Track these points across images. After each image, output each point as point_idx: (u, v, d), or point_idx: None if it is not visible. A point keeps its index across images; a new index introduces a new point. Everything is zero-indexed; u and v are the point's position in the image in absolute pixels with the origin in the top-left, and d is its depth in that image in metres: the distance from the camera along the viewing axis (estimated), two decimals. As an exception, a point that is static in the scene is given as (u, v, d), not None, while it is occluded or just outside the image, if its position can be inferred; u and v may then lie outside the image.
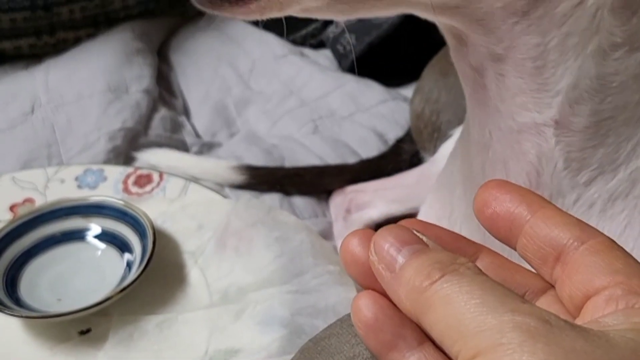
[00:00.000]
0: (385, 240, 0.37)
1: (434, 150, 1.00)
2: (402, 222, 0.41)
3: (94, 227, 0.96)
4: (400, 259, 0.37)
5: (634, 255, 0.59)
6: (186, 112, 1.30)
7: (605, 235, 0.38)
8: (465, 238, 0.42)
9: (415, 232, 0.38)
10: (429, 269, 0.35)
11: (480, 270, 0.36)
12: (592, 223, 0.58)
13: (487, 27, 0.56)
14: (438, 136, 0.99)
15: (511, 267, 0.41)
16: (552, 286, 0.39)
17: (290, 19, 1.54)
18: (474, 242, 0.42)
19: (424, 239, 0.38)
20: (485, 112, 0.61)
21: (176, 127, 1.23)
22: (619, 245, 0.37)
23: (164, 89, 1.32)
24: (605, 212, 0.60)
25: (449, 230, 0.42)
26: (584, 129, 0.58)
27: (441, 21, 0.59)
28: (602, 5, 0.54)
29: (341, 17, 0.61)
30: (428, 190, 0.93)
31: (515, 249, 0.40)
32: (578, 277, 0.36)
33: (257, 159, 1.12)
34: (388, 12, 0.60)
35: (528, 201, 0.39)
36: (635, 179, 0.59)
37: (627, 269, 0.35)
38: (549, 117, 0.58)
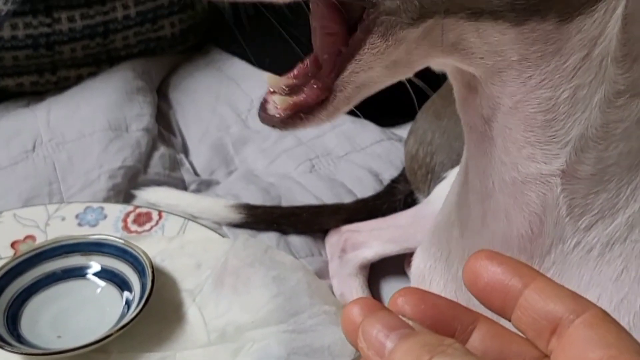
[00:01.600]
0: (373, 327, 0.38)
1: (428, 191, 1.02)
2: (401, 291, 0.41)
3: (94, 265, 0.98)
4: (389, 344, 0.38)
5: (627, 298, 0.61)
6: (185, 150, 1.32)
7: (598, 307, 0.39)
8: (462, 306, 0.42)
9: (401, 317, 0.39)
10: (417, 351, 0.36)
11: (468, 350, 0.37)
12: (590, 267, 0.61)
13: (503, 80, 0.58)
14: (432, 177, 1.01)
15: (508, 335, 0.42)
16: (547, 356, 0.40)
17: (286, 59, 1.56)
18: (471, 311, 0.42)
19: (411, 323, 0.39)
20: (488, 163, 0.63)
21: (175, 165, 1.25)
22: (611, 318, 0.38)
23: (163, 127, 1.35)
24: (603, 256, 0.62)
25: (446, 299, 0.42)
26: (589, 177, 0.60)
27: (463, 69, 0.61)
28: (606, 55, 0.57)
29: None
30: (422, 231, 0.95)
31: (509, 320, 0.41)
32: (572, 350, 0.37)
33: (255, 198, 1.14)
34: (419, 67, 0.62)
35: (520, 273, 0.40)
36: (633, 224, 0.61)
37: (619, 343, 0.37)
38: (556, 167, 0.59)
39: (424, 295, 0.41)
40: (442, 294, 0.65)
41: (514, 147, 0.60)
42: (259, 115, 0.63)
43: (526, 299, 0.39)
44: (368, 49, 0.59)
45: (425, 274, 0.75)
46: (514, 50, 0.57)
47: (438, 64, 0.63)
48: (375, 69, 0.60)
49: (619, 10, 0.56)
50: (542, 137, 0.59)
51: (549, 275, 0.60)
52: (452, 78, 0.64)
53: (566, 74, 0.57)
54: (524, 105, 0.59)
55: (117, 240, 0.98)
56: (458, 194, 0.70)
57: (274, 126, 0.63)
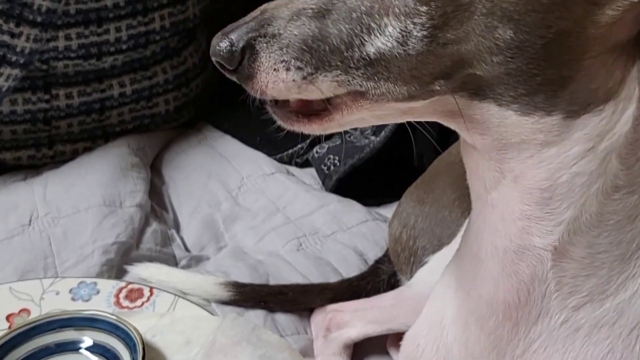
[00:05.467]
0: None
1: (410, 273, 1.06)
2: None
3: (87, 340, 1.01)
4: None
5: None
6: (176, 225, 1.36)
7: None
8: None
9: None
10: None
11: None
12: (577, 346, 0.65)
13: (502, 156, 0.62)
14: (414, 261, 1.05)
15: None
16: None
17: (277, 138, 1.60)
18: None
19: None
20: (484, 229, 0.66)
21: (166, 241, 1.29)
22: None
23: (156, 202, 1.38)
24: (590, 337, 0.65)
25: None
26: (580, 259, 0.63)
27: (466, 137, 0.64)
28: (611, 151, 0.61)
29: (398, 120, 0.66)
30: (404, 313, 0.99)
31: None
32: None
33: (244, 275, 1.18)
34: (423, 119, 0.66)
35: None
36: (622, 310, 0.64)
37: None
38: (549, 242, 0.63)
39: None
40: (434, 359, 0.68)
41: (510, 217, 0.64)
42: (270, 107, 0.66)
43: None
44: (355, 108, 0.63)
45: (420, 341, 0.77)
46: (515, 134, 0.61)
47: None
48: (365, 116, 0.64)
49: (630, 111, 0.60)
50: (537, 212, 0.63)
51: (534, 346, 0.65)
52: (461, 138, 0.67)
53: (567, 161, 0.61)
54: (522, 180, 0.62)
55: (110, 316, 1.01)
56: (456, 257, 0.73)
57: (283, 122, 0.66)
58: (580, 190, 0.61)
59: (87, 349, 1.00)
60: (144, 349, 0.96)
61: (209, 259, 1.27)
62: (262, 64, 0.61)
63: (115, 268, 1.19)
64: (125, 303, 1.09)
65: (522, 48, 0.57)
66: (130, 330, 0.98)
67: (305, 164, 1.50)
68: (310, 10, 0.60)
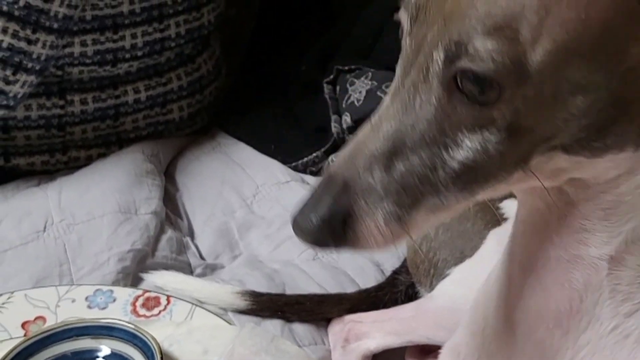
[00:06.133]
0: None
1: (430, 285, 1.05)
2: None
3: (105, 349, 1.00)
4: None
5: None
6: (190, 233, 1.36)
7: None
8: None
9: None
10: None
11: None
12: (625, 352, 0.65)
13: (565, 188, 0.62)
14: (434, 273, 1.04)
15: None
16: None
17: (291, 146, 1.59)
18: None
19: None
20: (536, 241, 0.66)
21: (181, 249, 1.28)
22: None
23: (170, 209, 1.38)
24: (639, 343, 0.65)
25: None
26: (636, 266, 0.64)
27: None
28: None
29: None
30: (425, 325, 0.99)
31: None
32: None
33: (260, 284, 1.17)
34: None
35: None
36: None
37: None
38: (605, 252, 0.63)
39: None
40: None
41: (568, 230, 0.64)
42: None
43: None
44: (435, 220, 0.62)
45: (461, 349, 0.77)
46: (582, 173, 0.61)
47: None
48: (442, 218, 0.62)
49: None
50: (597, 226, 0.63)
51: (582, 353, 0.65)
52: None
53: (634, 185, 0.61)
54: (586, 202, 0.62)
55: (127, 324, 1.00)
56: (500, 269, 0.72)
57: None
58: None
59: (104, 357, 1.00)
60: (162, 358, 0.95)
61: (224, 267, 1.26)
62: (363, 226, 0.59)
63: (131, 276, 1.18)
64: (142, 311, 1.09)
65: (592, 105, 0.56)
66: (148, 339, 0.98)
67: (319, 173, 1.49)
68: (382, 154, 0.59)
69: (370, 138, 0.59)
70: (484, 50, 0.54)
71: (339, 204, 0.59)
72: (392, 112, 0.59)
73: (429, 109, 0.58)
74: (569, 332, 0.66)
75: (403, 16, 0.61)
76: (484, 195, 0.61)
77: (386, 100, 0.60)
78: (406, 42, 0.60)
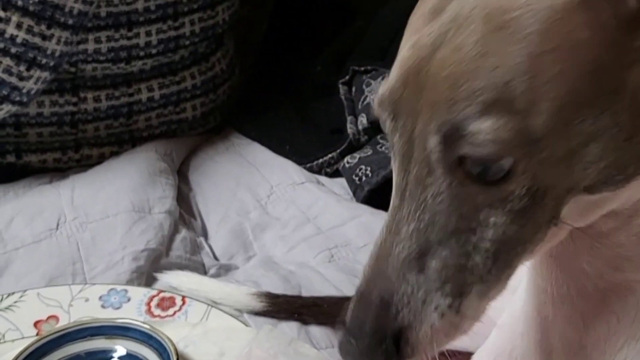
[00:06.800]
0: None
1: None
2: None
3: (120, 349, 0.98)
4: None
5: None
6: (204, 233, 1.34)
7: None
8: None
9: None
10: None
11: None
12: None
13: (604, 216, 0.60)
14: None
15: None
16: None
17: (305, 147, 1.57)
18: None
19: None
20: (566, 273, 0.64)
21: (195, 249, 1.27)
22: None
23: (183, 209, 1.36)
24: None
25: None
26: None
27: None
28: None
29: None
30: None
31: None
32: None
33: (275, 286, 1.15)
34: None
35: None
36: None
37: None
38: None
39: None
40: None
41: (598, 260, 0.62)
42: None
43: None
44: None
45: None
46: (610, 205, 0.59)
47: None
48: None
49: None
50: (630, 253, 0.61)
51: None
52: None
53: None
54: (617, 230, 0.61)
55: (143, 325, 0.99)
56: (525, 300, 0.71)
57: None
58: None
59: (119, 358, 0.98)
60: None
61: (238, 268, 1.25)
62: (418, 335, 0.56)
63: (145, 275, 1.16)
64: (157, 312, 1.07)
65: (607, 147, 0.54)
66: (164, 340, 0.96)
67: (335, 174, 1.47)
68: (411, 258, 0.56)
69: (391, 245, 0.56)
70: (482, 131, 0.52)
71: (383, 323, 0.56)
72: (405, 212, 0.56)
73: (442, 200, 0.55)
74: (605, 352, 0.65)
75: (381, 114, 0.58)
76: (524, 261, 0.59)
77: (394, 201, 0.57)
78: (393, 139, 0.57)
